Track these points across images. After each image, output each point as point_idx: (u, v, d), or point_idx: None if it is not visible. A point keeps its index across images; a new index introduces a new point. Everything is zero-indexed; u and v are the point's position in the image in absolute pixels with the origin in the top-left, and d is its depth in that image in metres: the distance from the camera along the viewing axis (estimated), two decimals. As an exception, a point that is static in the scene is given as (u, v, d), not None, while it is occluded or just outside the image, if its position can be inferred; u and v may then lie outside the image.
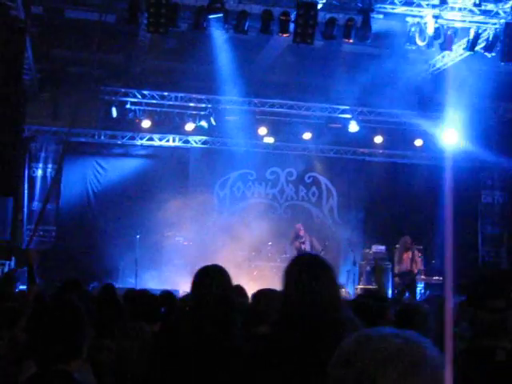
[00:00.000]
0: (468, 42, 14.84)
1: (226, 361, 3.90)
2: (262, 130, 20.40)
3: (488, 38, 14.55)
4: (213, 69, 18.77)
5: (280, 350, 3.38)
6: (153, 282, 16.79)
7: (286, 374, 3.25)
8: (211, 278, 4.52)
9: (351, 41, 14.97)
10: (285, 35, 14.51)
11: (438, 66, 17.84)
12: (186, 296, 6.43)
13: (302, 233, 18.26)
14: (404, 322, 5.13)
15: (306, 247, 17.88)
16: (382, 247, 19.50)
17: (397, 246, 18.74)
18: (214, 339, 4.01)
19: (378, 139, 21.10)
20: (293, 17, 14.11)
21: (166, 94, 19.68)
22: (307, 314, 3.44)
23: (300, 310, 3.47)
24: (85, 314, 3.43)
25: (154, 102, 19.68)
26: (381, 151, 21.87)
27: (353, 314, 3.81)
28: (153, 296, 7.48)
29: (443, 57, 17.21)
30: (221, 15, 13.95)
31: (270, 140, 20.82)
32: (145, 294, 7.61)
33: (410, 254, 17.97)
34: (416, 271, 17.83)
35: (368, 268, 19.21)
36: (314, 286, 3.48)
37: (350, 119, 20.48)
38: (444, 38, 14.90)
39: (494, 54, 14.92)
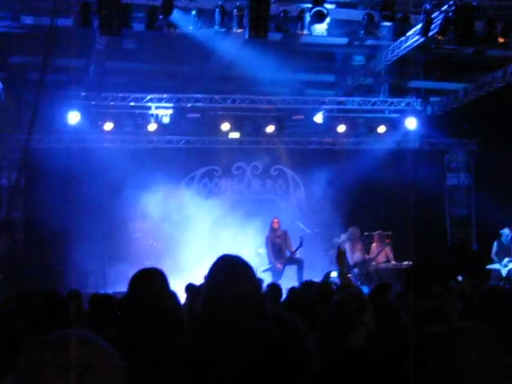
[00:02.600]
0: (421, 27, 14.89)
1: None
2: (225, 126, 20.38)
3: (441, 22, 14.60)
4: (173, 67, 18.75)
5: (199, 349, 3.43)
6: (123, 285, 16.73)
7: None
8: (145, 280, 4.56)
9: (306, 32, 14.96)
10: (240, 30, 14.48)
11: (396, 52, 17.87)
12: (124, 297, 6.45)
13: (276, 226, 18.14)
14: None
15: (282, 242, 17.86)
16: (351, 235, 19.57)
17: (342, 237, 19.03)
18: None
19: (342, 128, 21.14)
20: (247, 11, 14.09)
21: (127, 95, 19.59)
22: (225, 314, 3.49)
23: (218, 312, 3.52)
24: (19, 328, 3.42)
25: (116, 103, 19.59)
26: (345, 140, 21.95)
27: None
28: (114, 299, 7.49)
29: (401, 43, 17.25)
30: (173, 13, 13.91)
31: (235, 135, 20.82)
32: (106, 297, 7.62)
33: (359, 244, 18.14)
34: (369, 260, 18.01)
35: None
36: (232, 286, 3.54)
37: (314, 110, 20.55)
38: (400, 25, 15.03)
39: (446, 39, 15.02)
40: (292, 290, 8.46)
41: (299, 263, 17.61)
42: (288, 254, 17.65)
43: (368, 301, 5.07)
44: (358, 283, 16.87)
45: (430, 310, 3.61)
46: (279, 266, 17.31)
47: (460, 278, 12.24)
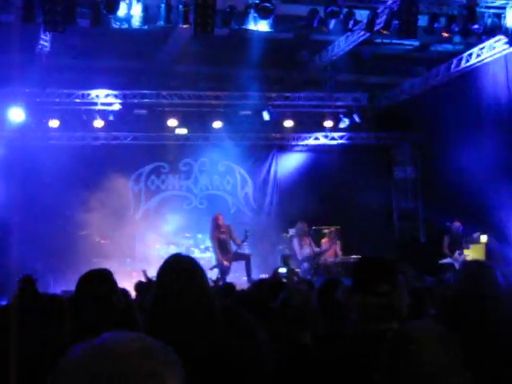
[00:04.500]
0: (367, 22, 14.97)
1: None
2: (172, 122, 20.25)
3: (385, 17, 14.70)
4: (119, 63, 18.61)
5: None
6: (71, 283, 16.55)
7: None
8: (92, 281, 4.56)
9: (253, 27, 14.95)
10: (186, 26, 14.40)
11: (342, 47, 17.95)
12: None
13: (220, 222, 18.02)
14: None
15: (227, 237, 17.76)
16: (300, 230, 19.65)
17: (290, 232, 19.19)
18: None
19: (289, 123, 21.18)
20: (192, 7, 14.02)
21: (72, 91, 19.38)
22: (172, 319, 3.50)
23: (168, 309, 3.54)
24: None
25: (61, 100, 19.35)
26: (292, 135, 22.01)
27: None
28: (61, 299, 7.38)
29: (347, 37, 17.35)
30: (118, 9, 13.79)
31: (182, 131, 20.71)
32: (54, 298, 7.51)
33: (308, 239, 18.23)
34: (317, 254, 18.11)
35: (286, 251, 19.38)
36: (179, 286, 3.57)
37: (261, 107, 20.57)
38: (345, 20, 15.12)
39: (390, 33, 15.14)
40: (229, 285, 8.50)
41: (246, 258, 17.58)
42: (234, 248, 17.57)
43: (314, 298, 5.08)
44: (308, 277, 16.94)
45: (379, 306, 3.62)
46: (226, 263, 17.22)
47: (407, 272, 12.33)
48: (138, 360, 1.56)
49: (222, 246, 17.44)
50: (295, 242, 18.38)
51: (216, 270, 16.97)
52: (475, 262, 6.56)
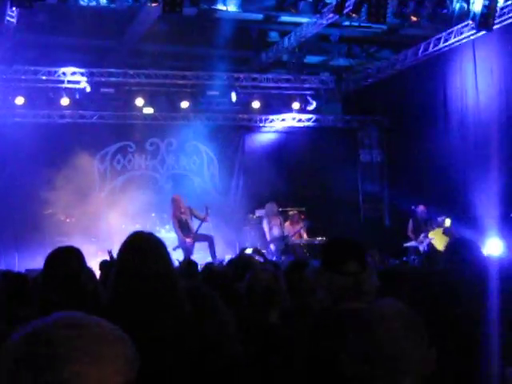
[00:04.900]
0: (336, 4, 14.96)
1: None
2: (139, 101, 20.15)
3: (354, 0, 14.70)
4: (86, 41, 18.46)
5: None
6: (36, 262, 16.46)
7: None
8: (61, 259, 4.52)
9: (222, 7, 14.94)
10: (154, 4, 14.31)
11: (311, 29, 17.92)
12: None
13: (180, 203, 17.90)
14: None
15: (187, 218, 17.73)
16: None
17: (257, 213, 19.29)
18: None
19: (256, 104, 21.18)
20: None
21: (39, 68, 19.20)
22: (134, 296, 3.51)
23: (128, 293, 3.54)
24: None
25: (27, 77, 19.17)
26: (259, 117, 21.99)
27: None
28: (26, 278, 7.34)
29: (316, 20, 17.33)
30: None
31: (149, 110, 20.60)
32: (19, 276, 7.47)
33: (278, 219, 18.29)
34: (289, 235, 18.20)
35: (252, 233, 19.44)
36: (141, 264, 3.58)
37: (229, 87, 20.57)
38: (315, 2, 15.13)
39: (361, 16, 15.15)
40: (208, 266, 8.46)
41: (209, 239, 17.57)
42: (196, 228, 17.55)
43: (281, 277, 5.11)
44: (274, 258, 17.02)
45: (346, 286, 3.65)
46: (189, 240, 17.20)
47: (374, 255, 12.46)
48: (72, 342, 1.58)
49: (182, 226, 17.43)
50: (265, 223, 18.44)
51: (181, 251, 16.95)
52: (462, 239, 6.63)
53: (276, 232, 18.18)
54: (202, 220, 17.41)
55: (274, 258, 16.90)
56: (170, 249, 4.02)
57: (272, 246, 18.11)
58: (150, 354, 3.25)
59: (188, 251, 16.99)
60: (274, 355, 4.04)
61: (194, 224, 17.61)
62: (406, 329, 2.42)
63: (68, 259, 4.53)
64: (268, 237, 18.26)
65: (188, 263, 9.18)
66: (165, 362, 3.35)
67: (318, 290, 4.16)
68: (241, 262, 7.86)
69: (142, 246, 3.70)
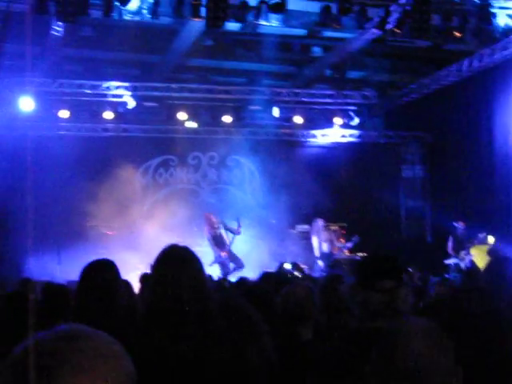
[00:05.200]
0: (379, 20, 14.91)
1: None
2: (182, 115, 20.29)
3: (398, 15, 14.64)
4: (130, 56, 18.61)
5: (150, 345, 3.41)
6: (78, 274, 16.55)
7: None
8: (95, 271, 4.54)
9: (264, 23, 14.96)
10: (197, 20, 14.39)
11: (354, 45, 17.87)
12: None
13: (213, 219, 18.02)
14: None
15: (221, 232, 17.85)
16: (306, 226, 19.69)
17: (298, 228, 19.27)
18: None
19: (298, 119, 21.18)
20: (204, 1, 14.01)
21: (83, 82, 19.39)
22: (169, 308, 3.50)
23: (163, 304, 3.52)
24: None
25: (72, 91, 19.37)
26: (301, 131, 21.99)
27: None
28: (67, 289, 7.38)
29: (359, 35, 17.27)
30: (130, 1, 13.81)
31: (192, 125, 20.74)
32: (60, 287, 7.51)
33: (328, 235, 18.24)
34: (336, 252, 18.13)
35: (293, 247, 19.40)
36: (175, 279, 3.56)
37: (271, 102, 20.61)
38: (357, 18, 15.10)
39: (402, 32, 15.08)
40: (242, 279, 8.45)
41: (240, 266, 17.57)
42: (229, 242, 17.67)
43: (316, 293, 5.07)
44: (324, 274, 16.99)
45: (380, 304, 3.61)
46: (224, 254, 17.30)
47: (411, 270, 12.35)
48: (65, 355, 1.59)
49: (217, 241, 17.56)
50: (314, 238, 18.42)
51: (216, 266, 17.04)
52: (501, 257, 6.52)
53: (325, 248, 18.14)
54: (235, 233, 17.52)
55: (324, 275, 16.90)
56: (206, 265, 4.03)
57: (320, 262, 18.03)
58: (186, 366, 3.25)
59: (225, 266, 17.04)
60: (305, 371, 4.01)
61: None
62: (428, 345, 2.39)
63: (102, 271, 4.54)
64: (317, 253, 18.23)
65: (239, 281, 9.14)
66: (193, 373, 3.34)
67: (353, 307, 4.12)
68: (278, 276, 7.84)
69: (175, 257, 3.70)
